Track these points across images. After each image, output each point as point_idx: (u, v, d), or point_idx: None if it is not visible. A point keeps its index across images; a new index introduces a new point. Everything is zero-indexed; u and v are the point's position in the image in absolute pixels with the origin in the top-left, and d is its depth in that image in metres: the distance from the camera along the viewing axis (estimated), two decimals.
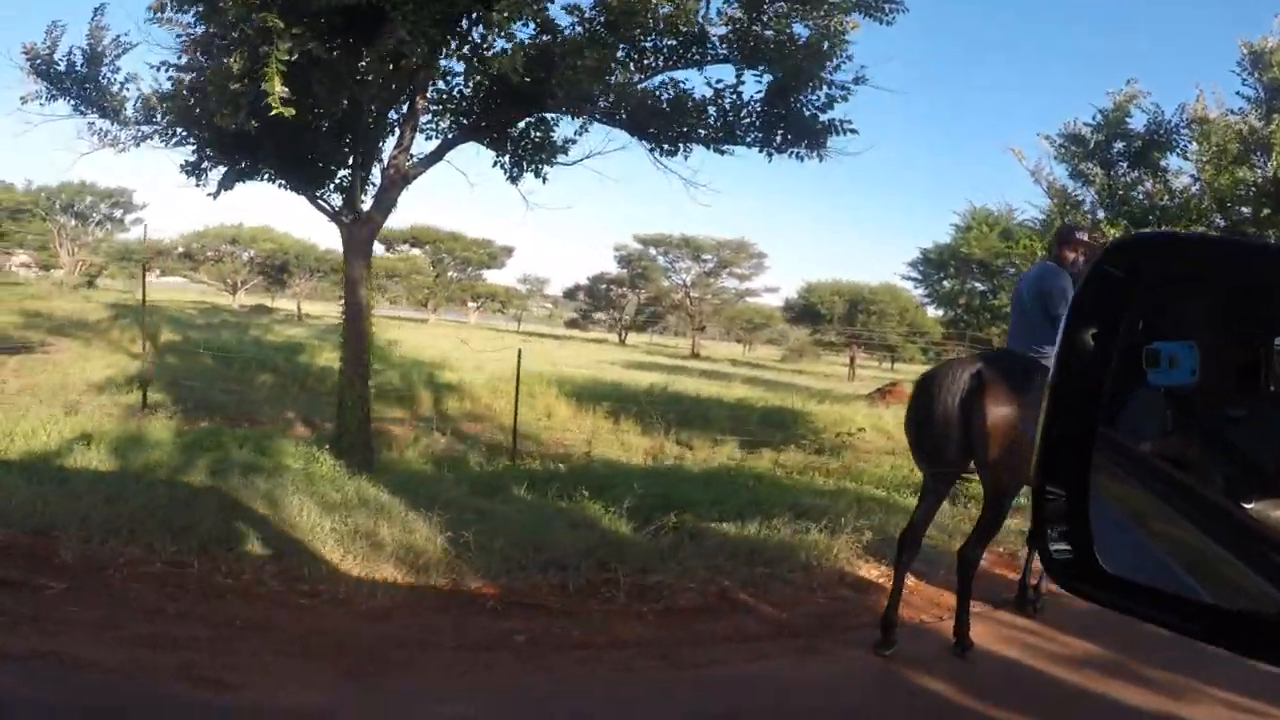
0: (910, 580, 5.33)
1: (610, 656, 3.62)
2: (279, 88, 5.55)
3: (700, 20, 7.13)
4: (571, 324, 51.50)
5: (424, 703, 3.27)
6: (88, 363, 14.04)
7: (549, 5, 6.91)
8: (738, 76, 7.61)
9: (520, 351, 11.46)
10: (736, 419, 14.45)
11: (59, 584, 3.95)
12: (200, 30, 6.61)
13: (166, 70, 7.28)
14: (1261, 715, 3.49)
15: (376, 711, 3.18)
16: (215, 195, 7.68)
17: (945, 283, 27.88)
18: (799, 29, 7.16)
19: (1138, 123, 8.90)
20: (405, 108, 7.74)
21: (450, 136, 8.05)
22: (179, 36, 6.82)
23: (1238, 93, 8.68)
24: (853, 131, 7.65)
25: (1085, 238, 4.59)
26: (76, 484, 5.39)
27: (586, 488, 6.30)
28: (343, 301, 7.89)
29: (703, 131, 7.62)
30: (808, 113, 7.43)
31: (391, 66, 6.93)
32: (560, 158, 8.15)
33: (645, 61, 7.54)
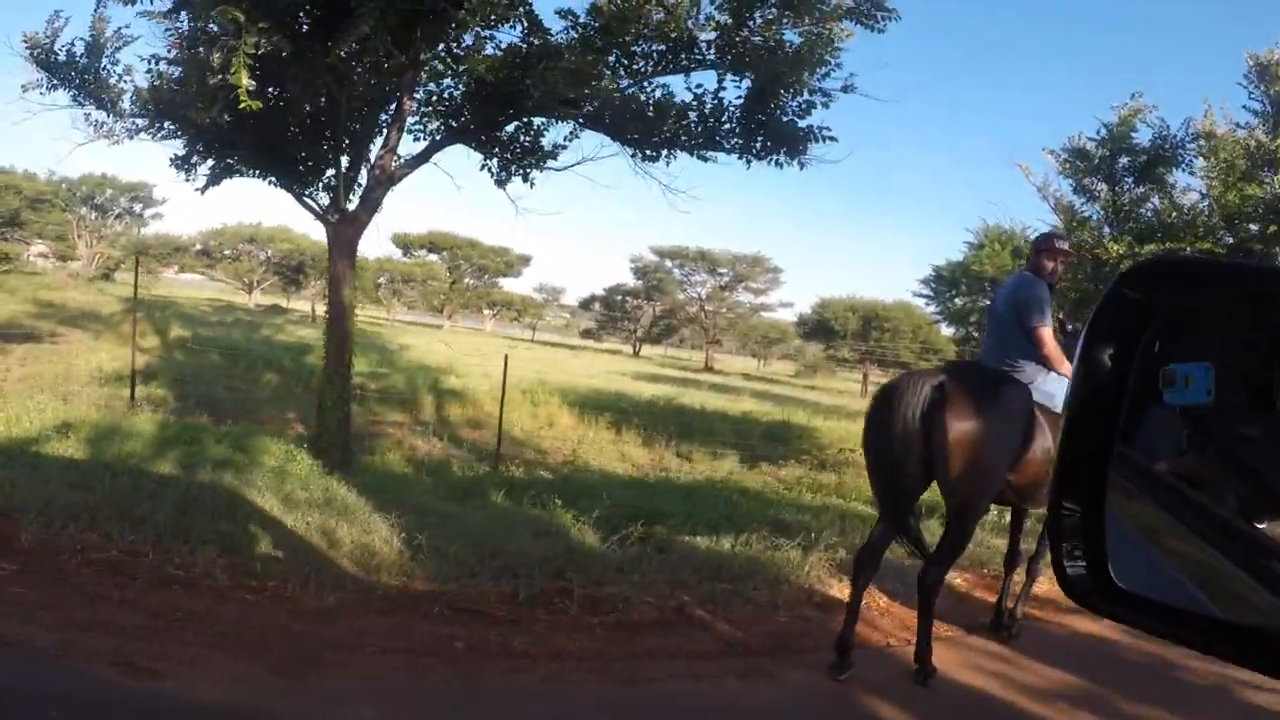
0: (883, 601, 5.14)
1: (546, 668, 3.48)
2: (245, 81, 5.53)
3: (689, 26, 7.06)
4: (587, 334, 51.50)
5: (339, 703, 3.17)
6: (94, 355, 14.12)
7: (528, 6, 6.87)
8: (719, 82, 7.59)
9: (507, 357, 11.43)
10: (740, 433, 14.34)
11: (11, 566, 3.95)
12: (185, 26, 6.62)
13: (156, 64, 7.32)
14: None
15: (291, 709, 3.10)
16: (203, 190, 7.72)
17: (957, 300, 27.65)
18: (789, 35, 7.09)
19: (1143, 137, 8.74)
20: (393, 108, 7.72)
21: (438, 138, 8.02)
22: (166, 31, 6.87)
23: (1244, 106, 8.54)
24: (831, 139, 7.64)
25: (1065, 246, 4.39)
26: (48, 470, 5.42)
27: (563, 496, 6.20)
28: (326, 300, 7.85)
29: (684, 137, 7.55)
30: (785, 118, 7.35)
31: (378, 66, 6.92)
32: (550, 163, 8.12)
33: (635, 67, 7.47)
